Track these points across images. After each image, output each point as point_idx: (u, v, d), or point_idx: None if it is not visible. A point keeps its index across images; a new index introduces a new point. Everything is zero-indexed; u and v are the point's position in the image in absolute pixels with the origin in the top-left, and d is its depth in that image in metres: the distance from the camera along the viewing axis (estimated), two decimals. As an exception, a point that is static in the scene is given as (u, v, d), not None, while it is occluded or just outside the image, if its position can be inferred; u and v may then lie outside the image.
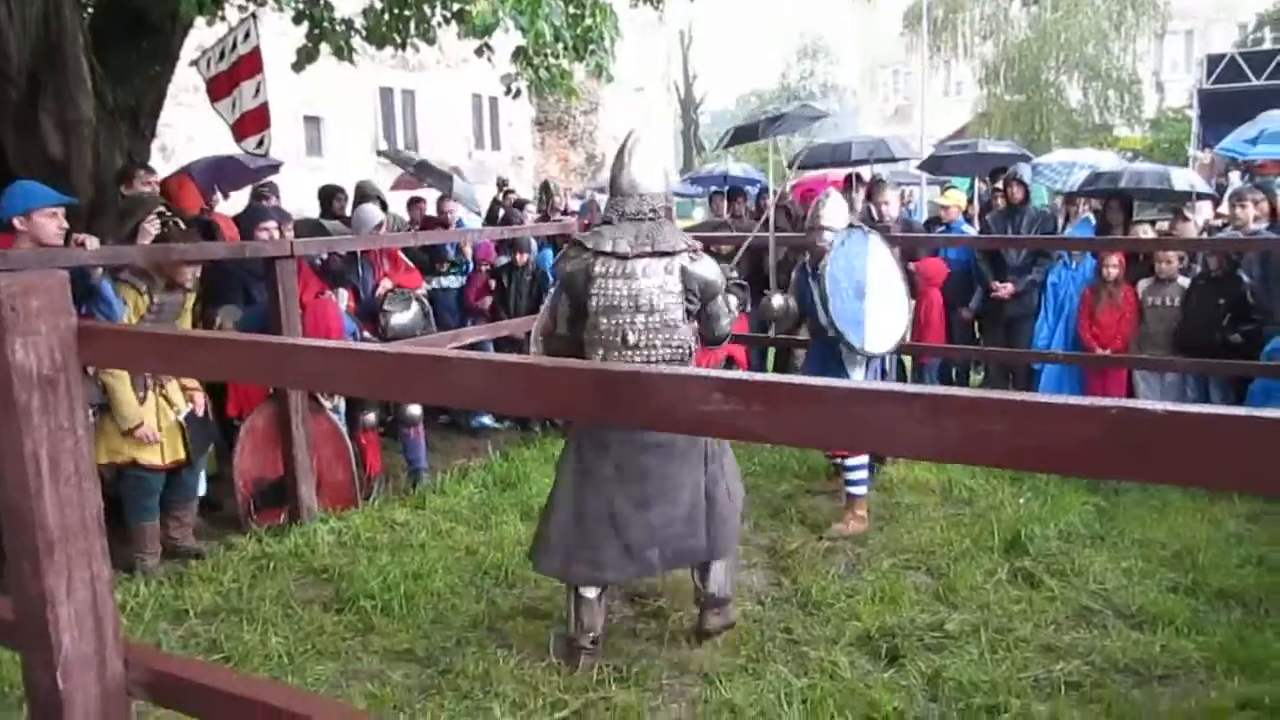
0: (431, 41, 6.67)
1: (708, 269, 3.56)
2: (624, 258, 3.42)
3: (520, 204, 8.70)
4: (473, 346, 6.34)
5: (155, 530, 4.69)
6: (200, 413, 4.78)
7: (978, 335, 7.51)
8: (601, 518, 3.48)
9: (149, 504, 4.63)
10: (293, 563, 4.65)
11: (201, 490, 5.05)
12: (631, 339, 3.42)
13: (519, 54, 6.07)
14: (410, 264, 6.61)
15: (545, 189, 10.04)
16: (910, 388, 1.17)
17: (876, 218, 7.37)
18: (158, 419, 4.54)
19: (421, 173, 8.68)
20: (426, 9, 6.09)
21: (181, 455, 4.64)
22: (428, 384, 1.43)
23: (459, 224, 8.62)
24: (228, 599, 4.27)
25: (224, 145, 7.93)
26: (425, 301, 6.30)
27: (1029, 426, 1.08)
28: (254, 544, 4.85)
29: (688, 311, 3.50)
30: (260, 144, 6.30)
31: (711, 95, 47.06)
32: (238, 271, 5.57)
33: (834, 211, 4.98)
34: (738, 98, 49.59)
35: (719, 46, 64.17)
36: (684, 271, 3.47)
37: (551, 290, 3.61)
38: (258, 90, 6.18)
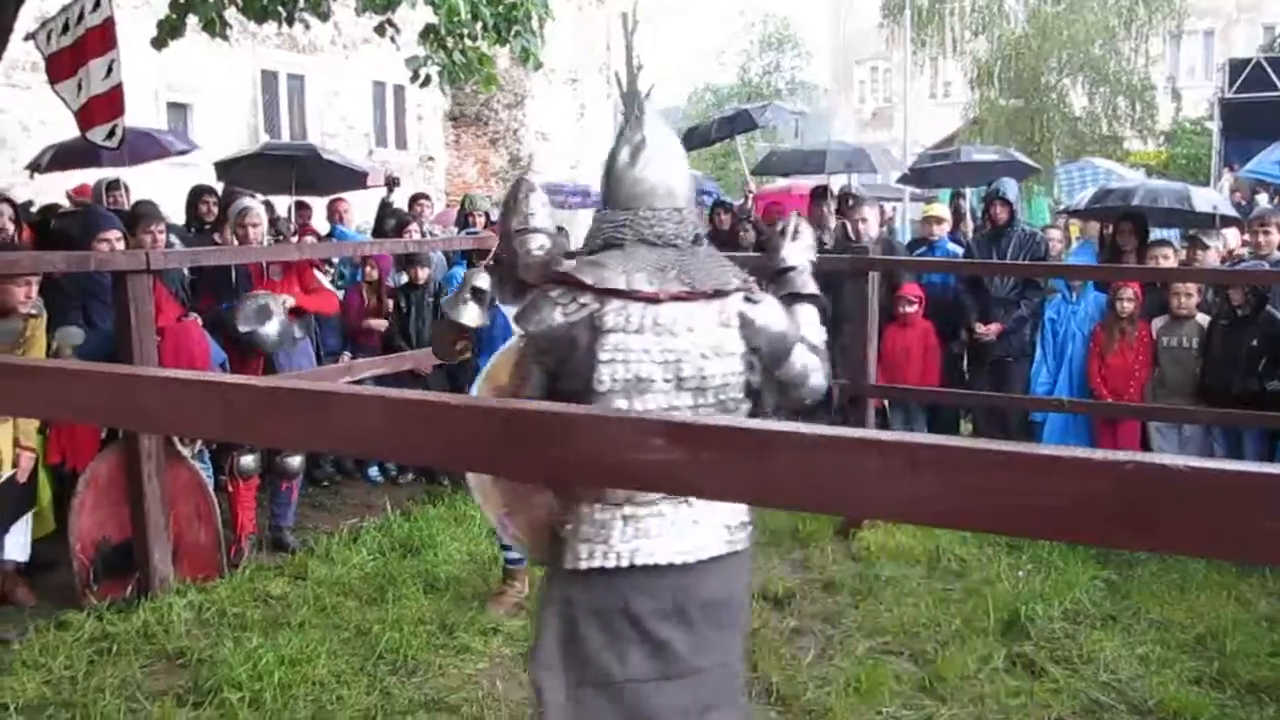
0: (325, 17, 6.64)
1: (775, 315, 2.63)
2: (652, 301, 2.48)
3: (402, 222, 8.64)
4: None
5: None
6: (22, 478, 4.64)
7: (967, 375, 7.61)
8: None
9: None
10: (141, 645, 4.53)
11: (24, 555, 4.89)
12: None
13: (429, 34, 6.06)
14: (325, 283, 6.53)
15: (463, 205, 10.08)
16: (888, 435, 1.16)
17: (853, 237, 7.47)
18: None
19: None
20: (319, -23, 6.07)
21: None
22: (305, 425, 1.39)
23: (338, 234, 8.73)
24: (58, 690, 4.13)
25: (69, 134, 7.89)
26: (284, 312, 6.13)
27: (1027, 484, 1.07)
28: (93, 622, 4.71)
29: (747, 385, 2.58)
30: (111, 134, 6.18)
31: (660, 89, 47.33)
32: (72, 288, 5.44)
33: (540, 206, 3.84)
34: (690, 93, 50.09)
35: (669, 32, 65.01)
36: (743, 320, 2.55)
37: (498, 358, 2.67)
38: (109, 70, 6.07)
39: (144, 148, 9.33)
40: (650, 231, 2.57)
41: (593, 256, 2.60)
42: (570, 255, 3.15)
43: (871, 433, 1.17)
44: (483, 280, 3.93)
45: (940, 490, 1.10)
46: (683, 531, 2.43)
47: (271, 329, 5.82)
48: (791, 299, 2.80)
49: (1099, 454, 1.05)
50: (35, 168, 9.65)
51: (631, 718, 2.46)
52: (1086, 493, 1.04)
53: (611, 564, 2.41)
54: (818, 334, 2.78)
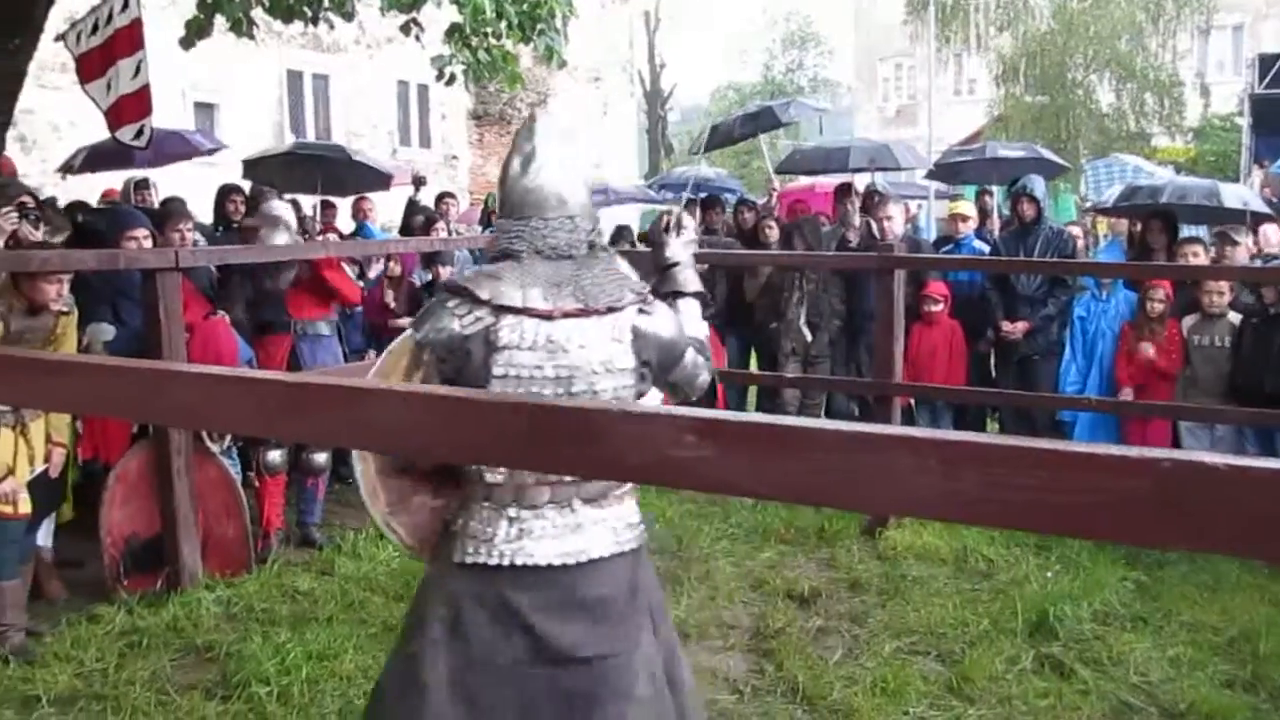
0: (349, 17, 6.67)
1: (665, 323, 2.67)
2: (546, 318, 2.53)
3: (431, 220, 8.75)
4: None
5: (18, 592, 4.56)
6: (54, 473, 4.69)
7: (994, 374, 7.55)
8: None
9: (6, 555, 4.48)
10: (170, 639, 4.57)
11: (48, 540, 4.94)
12: None
13: (454, 32, 6.08)
14: (351, 275, 6.56)
15: (487, 203, 10.14)
16: (922, 432, 1.16)
17: (878, 235, 7.44)
18: (14, 463, 4.43)
19: None
20: (345, -24, 6.11)
21: (27, 509, 4.52)
22: (335, 420, 1.40)
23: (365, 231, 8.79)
24: (89, 683, 4.18)
25: (99, 136, 7.98)
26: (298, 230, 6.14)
27: (1061, 481, 1.06)
28: (123, 615, 4.76)
29: (638, 396, 2.66)
30: (139, 134, 6.24)
31: (682, 88, 47.36)
32: (102, 285, 5.48)
33: None
34: (713, 91, 50.08)
35: (692, 31, 65.02)
36: (636, 334, 2.60)
37: (387, 359, 2.69)
38: (138, 70, 6.13)
39: (173, 147, 9.53)
40: (544, 243, 2.61)
41: (491, 268, 2.64)
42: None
43: (904, 430, 1.17)
44: None
45: (974, 487, 1.09)
46: (564, 535, 2.50)
47: (280, 236, 5.83)
48: (676, 296, 2.87)
49: (1135, 451, 1.04)
50: (68, 169, 9.78)
51: (513, 697, 2.51)
52: (1123, 491, 1.03)
53: (494, 561, 2.48)
54: (701, 329, 2.86)
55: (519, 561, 2.47)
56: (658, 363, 2.65)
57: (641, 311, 2.62)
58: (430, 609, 2.56)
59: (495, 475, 2.51)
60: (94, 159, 9.32)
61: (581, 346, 2.53)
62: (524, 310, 2.51)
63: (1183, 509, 1.00)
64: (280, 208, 6.39)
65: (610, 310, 2.58)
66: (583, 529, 2.52)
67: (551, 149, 2.69)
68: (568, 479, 2.48)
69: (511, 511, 2.49)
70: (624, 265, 2.78)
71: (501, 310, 2.51)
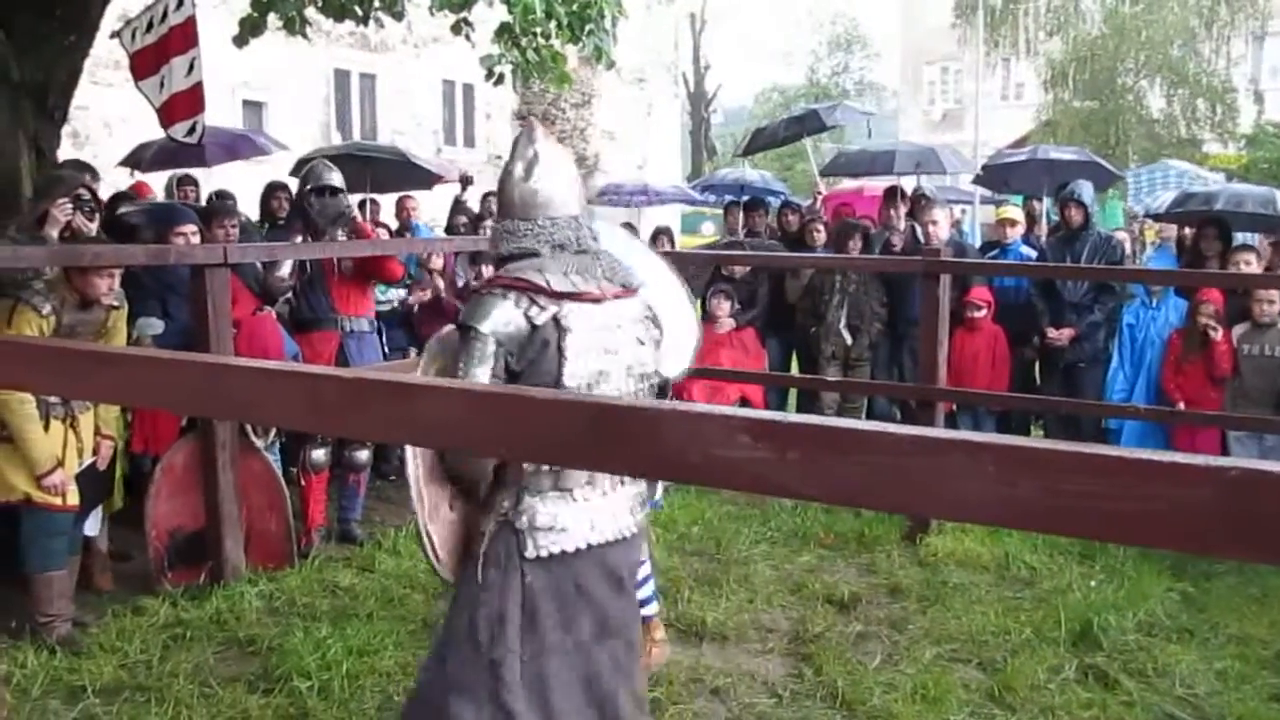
0: (399, 16, 6.72)
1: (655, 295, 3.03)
2: (597, 301, 2.72)
3: (480, 218, 8.86)
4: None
5: (65, 582, 4.61)
6: (102, 465, 4.75)
7: (1039, 381, 7.48)
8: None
9: (55, 546, 4.53)
10: (213, 632, 4.61)
11: (95, 530, 5.01)
12: None
13: (503, 32, 6.11)
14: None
15: None
16: (977, 436, 1.15)
17: (923, 239, 7.39)
18: (63, 455, 4.50)
19: None
20: (397, -24, 6.17)
21: (75, 501, 4.58)
22: (389, 416, 1.41)
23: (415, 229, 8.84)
24: (134, 674, 4.22)
25: (150, 132, 8.08)
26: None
27: (1121, 488, 1.05)
28: (167, 608, 4.80)
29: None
30: (192, 130, 6.32)
31: (726, 90, 47.38)
32: (151, 280, 5.55)
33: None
34: (757, 94, 50.05)
35: (737, 33, 64.89)
36: (650, 310, 2.91)
37: (447, 363, 2.79)
38: (191, 68, 6.21)
39: (240, 149, 10.05)
40: (556, 239, 2.77)
41: (524, 263, 2.74)
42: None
43: (960, 433, 1.16)
44: None
45: (1030, 493, 1.09)
46: (616, 511, 2.72)
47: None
48: None
49: (1198, 460, 1.02)
50: (135, 164, 9.85)
51: (580, 675, 2.72)
52: (1184, 499, 1.02)
53: (572, 547, 2.65)
54: None
55: (593, 541, 2.66)
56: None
57: (645, 288, 2.92)
58: (507, 610, 2.65)
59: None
60: (163, 156, 9.40)
61: (626, 323, 2.77)
62: (578, 295, 2.68)
63: (1247, 519, 0.99)
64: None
65: (638, 289, 2.86)
66: (625, 504, 2.75)
67: (550, 154, 2.86)
68: None
69: (578, 494, 2.65)
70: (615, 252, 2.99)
71: (560, 297, 2.66)
